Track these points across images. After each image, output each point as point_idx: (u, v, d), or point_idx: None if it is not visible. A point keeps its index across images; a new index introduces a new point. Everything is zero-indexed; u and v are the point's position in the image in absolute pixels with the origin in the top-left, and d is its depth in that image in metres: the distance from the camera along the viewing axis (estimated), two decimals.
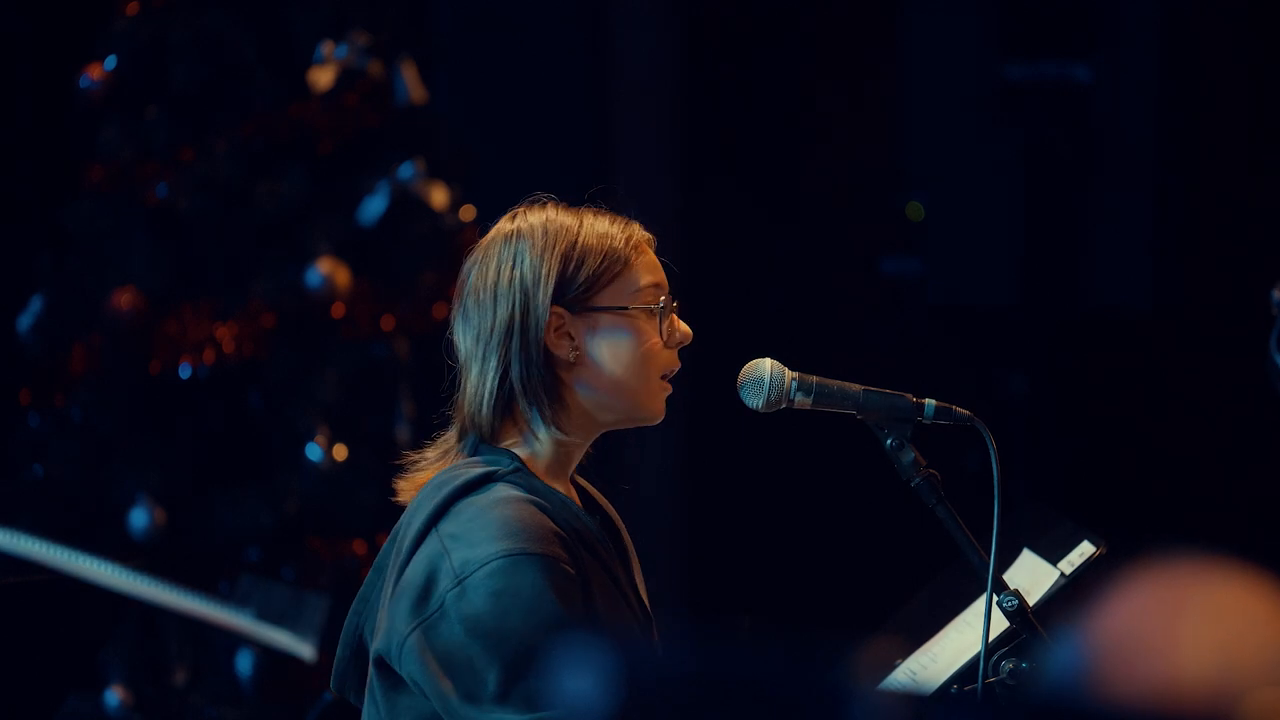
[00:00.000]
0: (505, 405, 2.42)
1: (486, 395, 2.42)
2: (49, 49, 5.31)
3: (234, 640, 4.66)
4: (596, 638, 2.28)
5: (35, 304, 5.00)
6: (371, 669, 2.40)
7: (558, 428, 2.42)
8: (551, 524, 2.34)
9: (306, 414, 4.88)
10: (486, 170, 5.33)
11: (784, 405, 2.46)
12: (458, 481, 2.38)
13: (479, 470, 2.39)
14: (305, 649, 4.24)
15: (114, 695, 4.72)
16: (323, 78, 5.01)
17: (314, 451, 4.87)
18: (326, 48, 5.02)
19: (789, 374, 2.45)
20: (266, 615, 4.22)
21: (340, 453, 4.89)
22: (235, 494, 4.83)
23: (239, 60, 4.98)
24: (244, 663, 4.78)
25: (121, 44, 5.01)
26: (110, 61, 5.01)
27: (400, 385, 5.01)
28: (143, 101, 5.00)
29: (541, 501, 2.37)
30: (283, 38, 5.04)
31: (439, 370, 5.26)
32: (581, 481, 2.55)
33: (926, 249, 6.02)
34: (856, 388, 2.45)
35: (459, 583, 2.29)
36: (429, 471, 2.48)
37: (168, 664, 4.76)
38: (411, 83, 5.11)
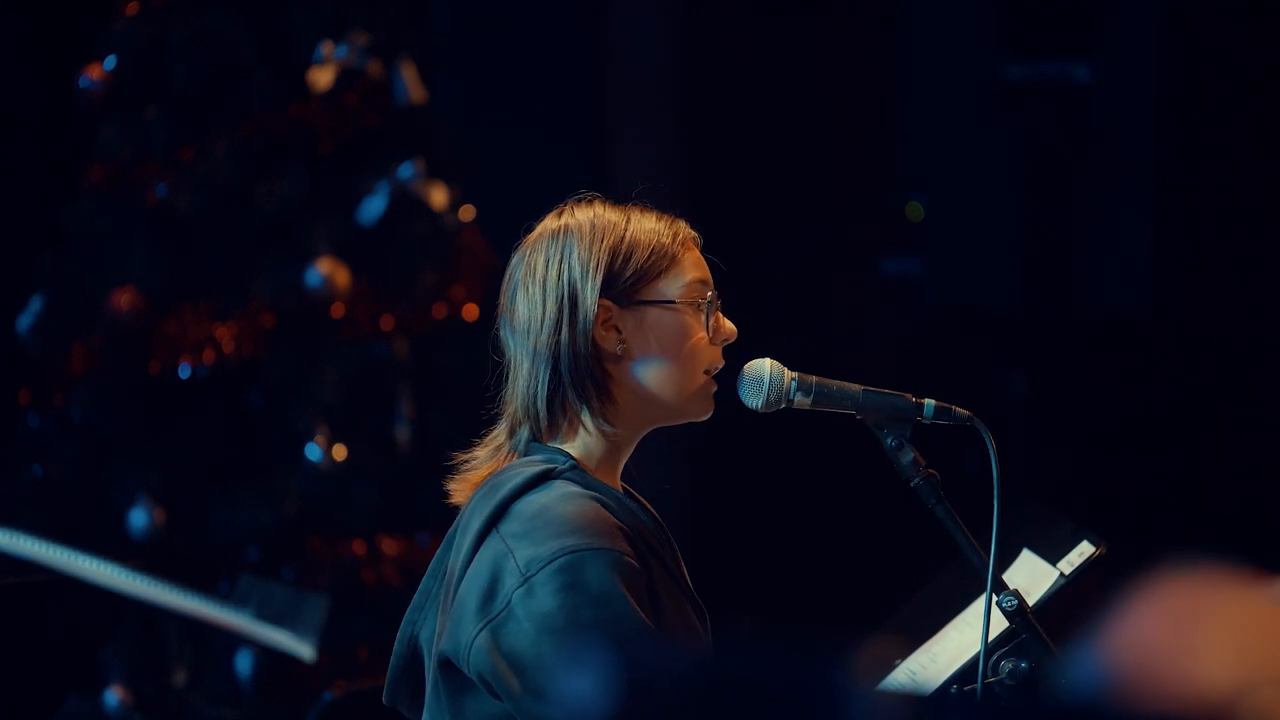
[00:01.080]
0: (557, 398, 2.43)
1: (540, 389, 2.42)
2: (49, 49, 5.31)
3: (234, 640, 4.66)
4: (661, 634, 2.28)
5: (35, 304, 5.00)
6: (436, 672, 2.38)
7: (606, 421, 2.42)
8: (614, 519, 2.34)
9: (306, 414, 4.88)
10: (486, 170, 5.33)
11: (783, 405, 2.46)
12: (516, 480, 2.37)
13: (537, 468, 2.39)
14: (305, 649, 4.24)
15: (114, 695, 4.72)
16: (323, 78, 5.01)
17: (314, 451, 4.87)
18: (326, 48, 5.02)
19: (789, 374, 2.45)
20: (266, 615, 4.22)
21: (340, 453, 4.89)
22: (235, 494, 4.83)
23: (239, 60, 4.98)
24: (244, 663, 4.78)
25: (121, 44, 5.01)
26: (110, 61, 5.01)
27: (400, 385, 5.01)
28: (143, 101, 5.00)
29: (602, 497, 2.37)
30: (283, 38, 5.04)
31: (439, 370, 5.24)
32: (622, 484, 2.55)
33: (926, 249, 6.02)
34: (856, 388, 2.45)
35: (525, 581, 2.27)
36: (481, 471, 2.47)
37: (168, 664, 4.76)
38: (411, 83, 5.11)
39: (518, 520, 2.34)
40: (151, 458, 4.84)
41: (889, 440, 2.43)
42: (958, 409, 2.45)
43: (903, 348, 6.12)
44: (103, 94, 5.01)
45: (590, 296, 2.41)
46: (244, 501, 4.82)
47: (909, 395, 2.45)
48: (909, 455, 2.42)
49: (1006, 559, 2.66)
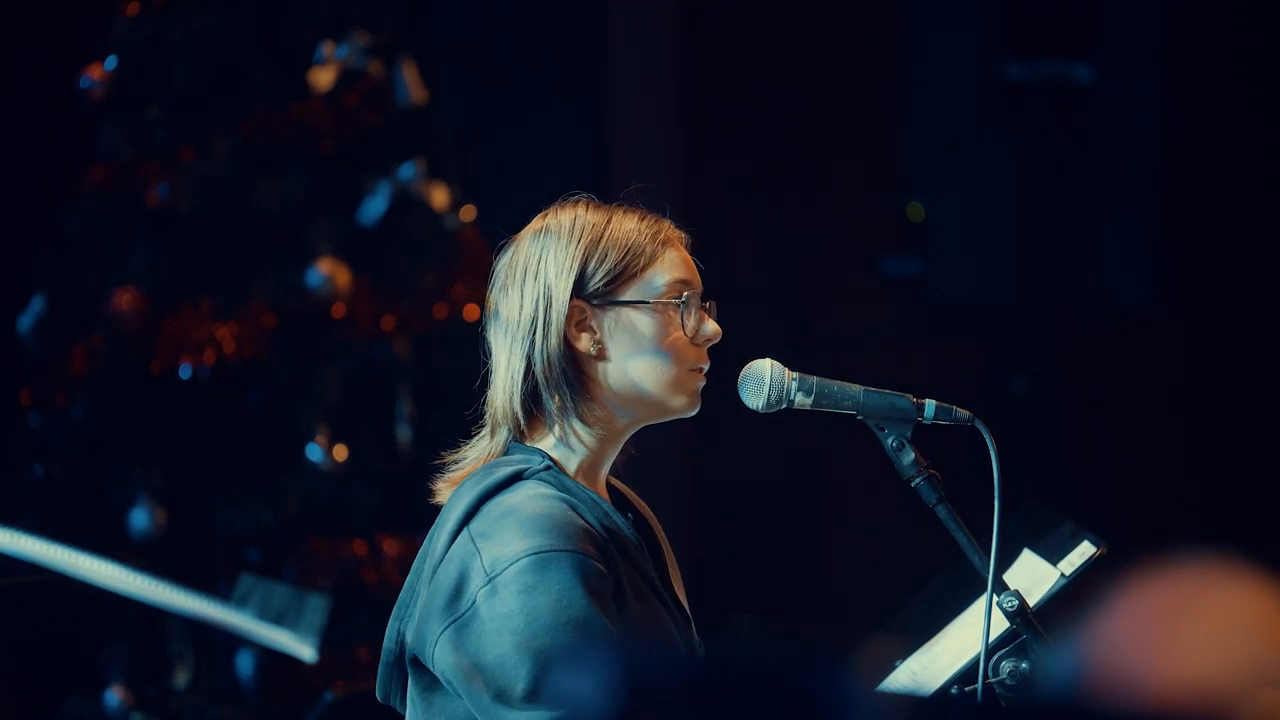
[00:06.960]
0: (532, 398, 2.44)
1: (513, 387, 2.44)
2: (49, 49, 5.31)
3: (234, 640, 4.66)
4: (623, 637, 2.28)
5: (36, 304, 5.01)
6: (409, 669, 2.41)
7: (584, 421, 2.43)
8: (582, 521, 2.35)
9: (307, 414, 4.88)
10: (487, 170, 5.33)
11: (784, 405, 2.46)
12: (488, 480, 2.39)
13: (509, 469, 2.40)
14: (305, 649, 4.23)
15: (114, 695, 4.72)
16: (323, 78, 5.01)
17: (314, 451, 4.87)
18: (327, 48, 5.02)
19: (789, 374, 2.45)
20: (266, 615, 4.22)
21: (341, 453, 4.89)
22: (235, 494, 4.83)
23: (239, 60, 4.98)
24: (244, 663, 4.78)
25: (121, 44, 5.01)
26: (110, 61, 5.01)
27: (401, 385, 5.01)
28: (143, 101, 5.00)
29: (571, 499, 2.38)
30: (283, 38, 5.04)
31: (439, 370, 5.25)
32: (615, 482, 2.55)
33: (926, 249, 6.01)
34: (857, 388, 2.45)
35: (489, 581, 2.30)
36: (466, 471, 2.48)
37: (168, 664, 4.76)
38: (412, 83, 5.11)
39: (486, 520, 2.36)
40: (152, 458, 4.84)
41: (890, 440, 2.43)
42: (959, 409, 2.45)
43: (903, 348, 6.11)
44: (103, 94, 5.01)
45: (562, 297, 2.43)
46: (245, 501, 4.82)
47: (909, 395, 2.45)
48: (910, 455, 2.42)
49: (1007, 559, 2.66)
